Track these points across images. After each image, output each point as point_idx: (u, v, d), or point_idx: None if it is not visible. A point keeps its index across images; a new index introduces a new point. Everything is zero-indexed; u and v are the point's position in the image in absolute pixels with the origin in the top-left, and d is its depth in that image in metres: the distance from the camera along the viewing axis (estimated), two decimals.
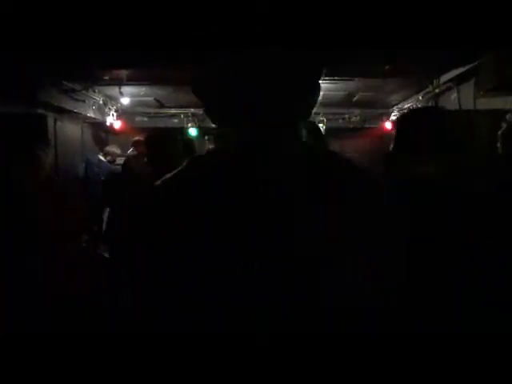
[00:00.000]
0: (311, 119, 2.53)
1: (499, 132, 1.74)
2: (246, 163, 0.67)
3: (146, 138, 2.58)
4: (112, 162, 5.74)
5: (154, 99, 5.86)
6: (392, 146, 1.34)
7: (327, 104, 5.84)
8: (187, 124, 6.61)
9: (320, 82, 0.74)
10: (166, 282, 0.67)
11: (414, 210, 1.16)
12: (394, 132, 1.38)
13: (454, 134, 1.28)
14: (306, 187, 0.65)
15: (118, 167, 3.96)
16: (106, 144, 6.37)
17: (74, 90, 4.88)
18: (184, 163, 0.73)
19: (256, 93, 0.68)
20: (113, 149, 5.79)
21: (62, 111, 5.01)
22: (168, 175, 0.73)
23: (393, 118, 6.17)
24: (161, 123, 6.66)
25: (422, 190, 1.21)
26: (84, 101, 5.29)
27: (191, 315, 0.65)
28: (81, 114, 5.38)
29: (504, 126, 1.73)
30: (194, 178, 0.69)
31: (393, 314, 0.69)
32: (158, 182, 0.72)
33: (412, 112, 1.54)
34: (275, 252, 0.63)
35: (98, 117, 5.84)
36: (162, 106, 6.27)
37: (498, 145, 1.73)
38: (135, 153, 5.14)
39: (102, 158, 5.67)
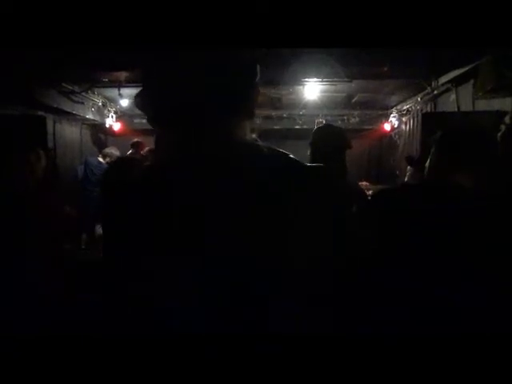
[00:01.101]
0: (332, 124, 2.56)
1: (498, 134, 1.73)
2: (200, 165, 0.68)
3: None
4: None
5: None
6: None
7: (326, 105, 5.85)
8: None
9: (257, 82, 0.74)
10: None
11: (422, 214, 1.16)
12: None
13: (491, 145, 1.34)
14: (261, 187, 0.65)
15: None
16: (105, 146, 6.36)
17: (73, 92, 4.88)
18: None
19: (192, 97, 0.68)
20: (111, 150, 5.78)
21: (61, 113, 5.01)
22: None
23: (392, 119, 6.18)
24: None
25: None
26: (83, 103, 5.30)
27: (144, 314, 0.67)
28: (80, 115, 5.38)
29: (503, 127, 1.71)
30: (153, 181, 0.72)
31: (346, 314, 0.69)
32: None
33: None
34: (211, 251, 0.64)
35: (97, 119, 5.84)
36: None
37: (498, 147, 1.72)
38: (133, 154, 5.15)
39: (101, 159, 5.67)
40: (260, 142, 0.74)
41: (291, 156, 0.72)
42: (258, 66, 0.72)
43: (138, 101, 0.72)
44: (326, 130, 2.09)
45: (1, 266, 1.67)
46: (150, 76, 0.71)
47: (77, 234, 3.77)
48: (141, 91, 0.72)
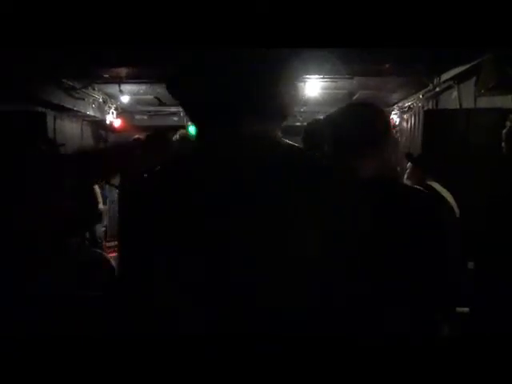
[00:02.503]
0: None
1: (504, 131, 1.71)
2: (219, 164, 0.68)
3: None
4: None
5: (154, 97, 5.86)
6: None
7: (327, 102, 5.83)
8: (187, 122, 6.60)
9: (298, 83, 0.74)
10: (146, 281, 0.69)
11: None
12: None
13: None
14: (280, 187, 0.65)
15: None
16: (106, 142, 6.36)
17: (73, 88, 4.87)
18: (160, 164, 0.75)
19: (231, 92, 0.67)
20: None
21: (61, 109, 5.00)
22: (147, 175, 0.74)
23: (393, 116, 6.16)
24: (161, 121, 6.66)
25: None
26: (84, 99, 5.29)
27: (174, 316, 0.66)
28: (80, 112, 5.38)
29: (508, 125, 1.70)
30: (171, 178, 0.71)
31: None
32: (138, 180, 0.74)
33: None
34: (254, 252, 0.64)
35: (98, 115, 5.83)
36: (161, 104, 6.26)
37: (503, 145, 1.71)
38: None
39: None
40: (286, 141, 0.74)
41: (317, 155, 0.72)
42: (297, 70, 0.72)
43: (176, 91, 0.72)
44: (318, 125, 2.05)
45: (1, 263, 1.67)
46: (189, 69, 0.70)
47: (80, 231, 3.77)
48: (177, 81, 0.71)
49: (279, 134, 0.75)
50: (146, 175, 0.75)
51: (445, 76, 4.20)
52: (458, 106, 4.05)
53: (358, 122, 1.22)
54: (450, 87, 4.24)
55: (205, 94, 0.69)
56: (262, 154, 0.68)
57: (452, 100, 4.20)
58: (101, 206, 5.41)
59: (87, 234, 4.57)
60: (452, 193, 2.50)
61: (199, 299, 0.64)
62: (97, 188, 5.42)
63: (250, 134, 0.69)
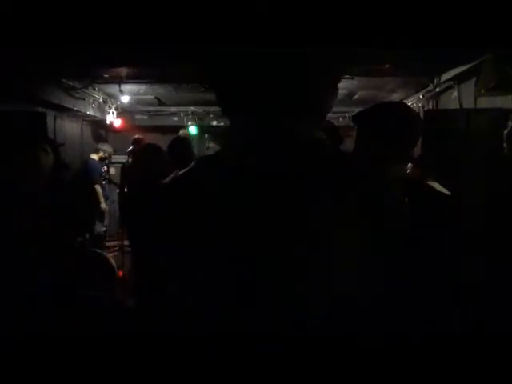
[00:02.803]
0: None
1: (505, 131, 1.71)
2: (252, 163, 0.67)
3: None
4: (104, 159, 5.76)
5: (154, 97, 5.86)
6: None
7: None
8: (187, 122, 6.61)
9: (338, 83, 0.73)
10: (169, 282, 0.68)
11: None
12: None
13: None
14: (311, 187, 0.65)
15: None
16: (106, 142, 6.37)
17: (74, 88, 4.87)
18: (192, 163, 0.74)
19: (268, 90, 0.67)
20: (104, 147, 5.80)
21: (61, 109, 5.00)
22: (177, 174, 0.74)
23: None
24: (161, 121, 6.66)
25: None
26: (84, 99, 5.29)
27: (193, 315, 0.65)
28: (80, 112, 5.38)
29: (510, 125, 1.70)
30: (201, 179, 0.70)
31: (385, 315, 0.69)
32: (166, 181, 0.74)
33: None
34: (282, 252, 0.63)
35: (98, 115, 5.83)
36: (161, 104, 6.26)
37: (504, 145, 1.71)
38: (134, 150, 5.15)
39: (94, 156, 5.64)
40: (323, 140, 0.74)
41: (353, 155, 0.72)
42: (343, 67, 0.72)
43: (215, 88, 0.71)
44: (322, 126, 2.05)
45: (3, 263, 1.67)
46: (228, 68, 0.69)
47: (80, 232, 3.77)
48: (216, 79, 0.71)
49: (318, 132, 0.74)
50: (178, 173, 0.74)
51: (445, 76, 4.20)
52: (458, 106, 4.05)
53: (408, 122, 1.27)
54: (450, 87, 4.24)
55: (243, 92, 0.68)
56: (293, 154, 0.67)
57: (452, 100, 4.20)
58: (103, 205, 5.42)
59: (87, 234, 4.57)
60: (452, 193, 2.49)
61: (215, 299, 0.64)
62: (98, 188, 5.43)
63: (284, 132, 0.68)
